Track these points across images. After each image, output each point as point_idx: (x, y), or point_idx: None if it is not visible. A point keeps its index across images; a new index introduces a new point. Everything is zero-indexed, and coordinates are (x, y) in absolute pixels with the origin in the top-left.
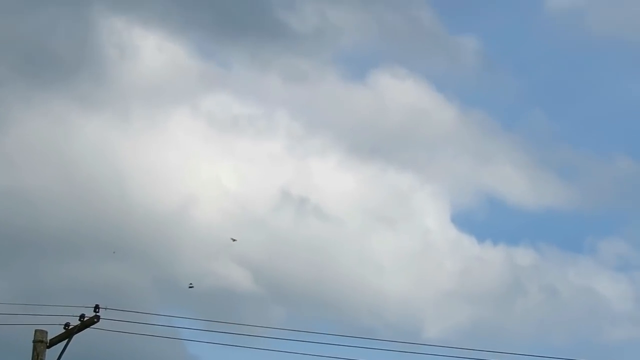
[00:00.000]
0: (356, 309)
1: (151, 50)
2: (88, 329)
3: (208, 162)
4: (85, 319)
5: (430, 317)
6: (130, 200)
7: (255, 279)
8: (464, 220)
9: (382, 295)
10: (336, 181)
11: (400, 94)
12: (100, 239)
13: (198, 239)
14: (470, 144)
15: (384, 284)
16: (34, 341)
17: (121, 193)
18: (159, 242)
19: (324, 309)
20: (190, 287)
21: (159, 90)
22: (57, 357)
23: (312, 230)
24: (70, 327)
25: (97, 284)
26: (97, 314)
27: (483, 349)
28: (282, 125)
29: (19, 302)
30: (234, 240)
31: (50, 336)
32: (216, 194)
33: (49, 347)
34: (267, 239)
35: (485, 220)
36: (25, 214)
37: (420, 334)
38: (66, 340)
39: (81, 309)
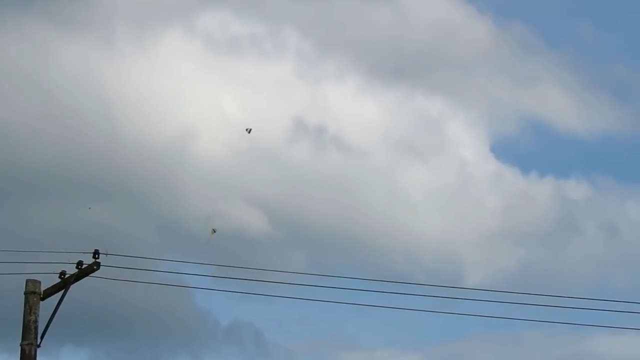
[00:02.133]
0: (388, 253)
1: None
2: (86, 277)
3: (207, 90)
4: (84, 266)
5: (471, 262)
6: (120, 134)
7: (271, 221)
8: (505, 151)
9: (416, 238)
10: (356, 108)
11: (427, 7)
12: (90, 179)
13: (201, 177)
14: (508, 63)
15: (417, 224)
16: (25, 292)
17: (109, 127)
18: (157, 182)
19: (350, 254)
20: (213, 231)
21: (147, 9)
22: (52, 310)
23: (332, 165)
24: (67, 275)
25: (90, 229)
26: (97, 260)
27: (534, 293)
28: (291, 45)
29: (5, 249)
30: (249, 131)
31: (44, 286)
32: (218, 125)
33: (42, 299)
34: (282, 175)
35: (530, 150)
36: (2, 153)
37: (461, 280)
38: (62, 291)
39: (78, 255)
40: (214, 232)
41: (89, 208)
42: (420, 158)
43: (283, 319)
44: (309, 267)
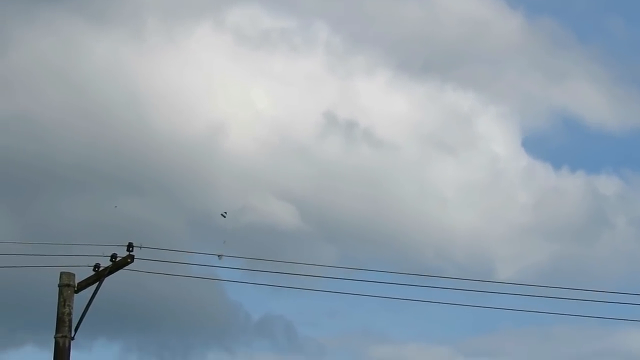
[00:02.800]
0: (419, 248)
1: None
2: (120, 270)
3: (237, 84)
4: (118, 259)
5: (503, 256)
6: (151, 128)
7: (301, 215)
8: (537, 146)
9: (447, 233)
10: (386, 103)
11: (457, 1)
12: (121, 173)
13: (232, 171)
14: (539, 58)
15: (448, 219)
16: (59, 285)
17: (140, 121)
18: (188, 176)
19: (381, 248)
20: (223, 215)
21: (178, 3)
22: (85, 303)
23: (363, 159)
24: (101, 268)
25: (121, 223)
26: (131, 253)
27: (564, 287)
28: (321, 40)
29: (41, 242)
30: (224, 215)
31: (78, 279)
32: (249, 119)
33: (76, 291)
34: (313, 170)
35: (561, 145)
36: (32, 148)
37: (492, 275)
38: (96, 284)
39: (112, 248)
40: (224, 216)
41: (115, 207)
42: (450, 153)
43: (314, 312)
44: (339, 262)
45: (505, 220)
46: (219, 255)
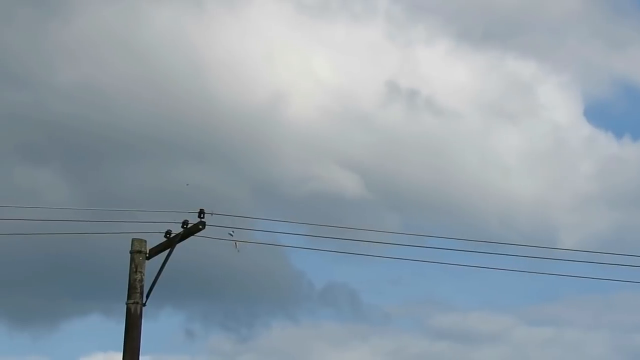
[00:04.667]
0: (482, 216)
1: None
2: (190, 238)
3: (298, 53)
4: (189, 225)
5: (565, 225)
6: (213, 97)
7: (365, 184)
8: (599, 114)
9: (510, 201)
10: (447, 72)
11: None
12: (184, 141)
13: (294, 140)
14: (600, 26)
15: (512, 187)
16: (131, 252)
17: (202, 89)
18: (250, 144)
19: (444, 217)
20: (230, 234)
21: None
22: (158, 269)
23: (425, 127)
24: (172, 235)
25: (185, 190)
26: (202, 220)
27: (627, 254)
28: (381, 9)
29: (111, 208)
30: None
31: (149, 246)
32: (310, 88)
33: (148, 258)
34: (375, 138)
35: (623, 113)
36: (96, 116)
37: (555, 243)
38: (168, 250)
39: (183, 215)
40: (231, 235)
41: (187, 184)
42: (512, 121)
43: (378, 280)
44: (403, 230)
45: (568, 188)
46: (230, 232)
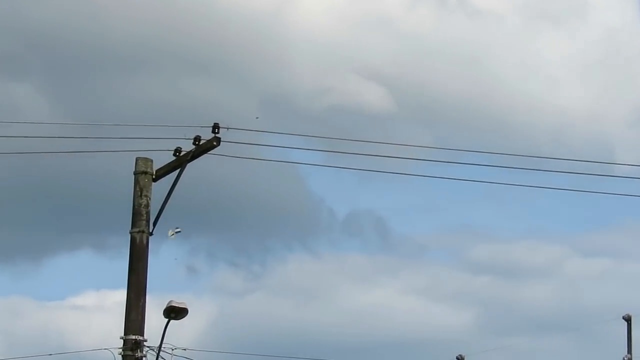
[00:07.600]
0: (528, 132)
1: None
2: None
3: None
4: (202, 141)
5: (623, 142)
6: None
7: (390, 96)
8: None
9: (559, 115)
10: None
11: None
12: (183, 51)
13: (306, 48)
14: None
15: (560, 100)
16: (135, 173)
17: None
18: (256, 53)
19: (482, 133)
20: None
21: None
22: (166, 192)
23: (458, 31)
24: (182, 152)
25: (189, 105)
26: (217, 135)
27: None
28: None
29: (112, 123)
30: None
31: (156, 166)
32: None
33: (154, 179)
34: (400, 45)
35: None
36: (86, 25)
37: (612, 161)
38: (178, 171)
39: (194, 130)
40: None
41: (257, 118)
42: (559, 25)
43: (407, 207)
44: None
45: (625, 100)
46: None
